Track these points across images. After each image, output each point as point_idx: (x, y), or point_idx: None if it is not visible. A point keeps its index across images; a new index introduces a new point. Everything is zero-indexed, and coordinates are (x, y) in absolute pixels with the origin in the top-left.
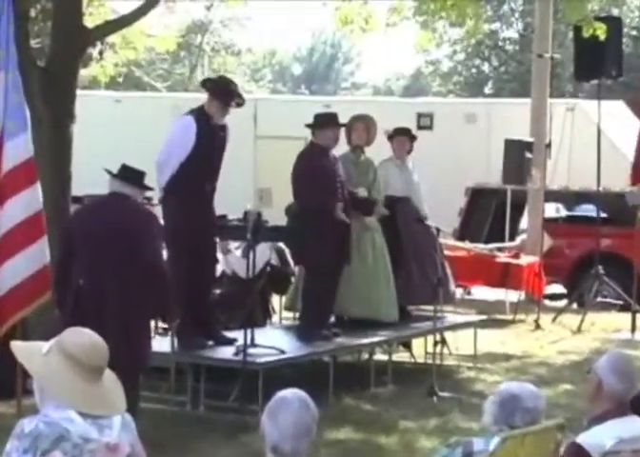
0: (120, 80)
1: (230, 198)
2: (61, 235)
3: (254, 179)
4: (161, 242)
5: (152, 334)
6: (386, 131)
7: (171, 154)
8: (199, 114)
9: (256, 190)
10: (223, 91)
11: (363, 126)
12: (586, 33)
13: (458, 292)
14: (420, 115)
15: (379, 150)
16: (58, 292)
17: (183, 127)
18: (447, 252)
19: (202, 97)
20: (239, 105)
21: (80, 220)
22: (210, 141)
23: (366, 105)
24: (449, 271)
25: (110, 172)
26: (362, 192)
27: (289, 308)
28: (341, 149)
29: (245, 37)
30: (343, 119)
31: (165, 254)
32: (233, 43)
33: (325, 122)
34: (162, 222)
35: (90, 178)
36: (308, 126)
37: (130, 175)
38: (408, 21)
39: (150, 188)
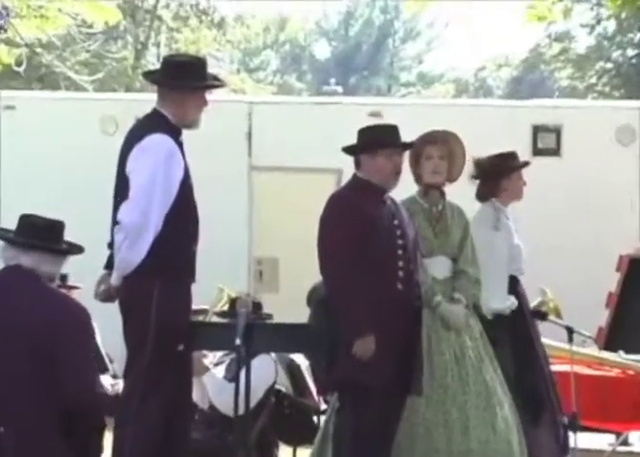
0: (19, 69)
1: (207, 275)
2: None
3: (249, 242)
4: (92, 357)
5: None
6: (474, 162)
7: (153, 207)
8: (167, 127)
9: (252, 262)
10: (192, 74)
11: (441, 150)
12: None
13: (606, 441)
14: (537, 130)
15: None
16: None
17: (165, 154)
18: (586, 371)
19: (153, 99)
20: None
21: None
22: (188, 171)
23: (443, 112)
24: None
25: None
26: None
27: None
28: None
29: None
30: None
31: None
32: (212, 6)
33: (376, 142)
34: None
35: None
36: (347, 149)
37: (35, 233)
38: None
39: (73, 251)
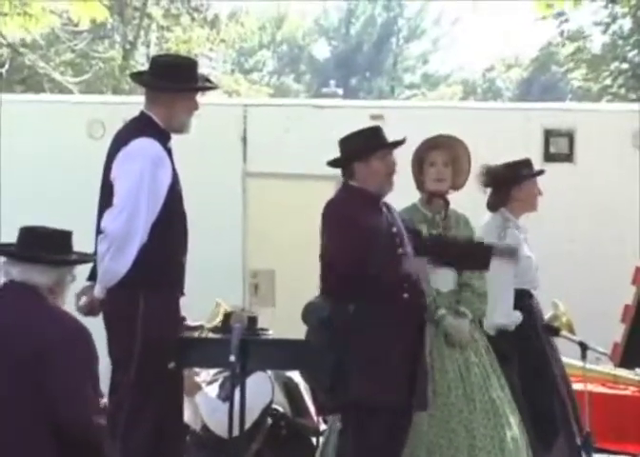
0: (1, 71)
1: (199, 289)
2: None
3: (243, 253)
4: (87, 381)
5: None
6: (484, 170)
7: (139, 215)
8: (155, 131)
9: (246, 274)
10: (182, 75)
11: (446, 156)
12: None
13: None
14: (549, 134)
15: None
16: None
17: (152, 159)
18: (601, 390)
19: (142, 101)
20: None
21: None
22: (177, 178)
23: (449, 116)
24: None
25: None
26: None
27: None
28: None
29: None
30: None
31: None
32: (205, 3)
33: (369, 146)
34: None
35: None
36: (332, 163)
37: (40, 244)
38: None
39: (83, 260)
